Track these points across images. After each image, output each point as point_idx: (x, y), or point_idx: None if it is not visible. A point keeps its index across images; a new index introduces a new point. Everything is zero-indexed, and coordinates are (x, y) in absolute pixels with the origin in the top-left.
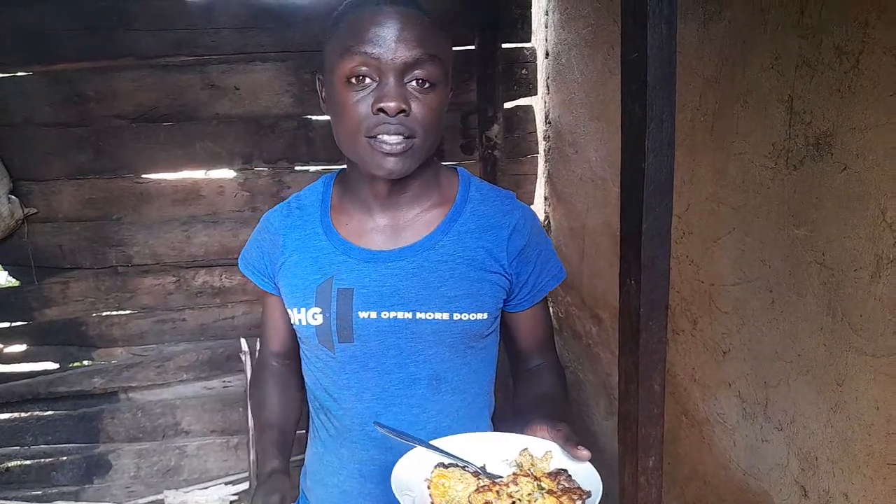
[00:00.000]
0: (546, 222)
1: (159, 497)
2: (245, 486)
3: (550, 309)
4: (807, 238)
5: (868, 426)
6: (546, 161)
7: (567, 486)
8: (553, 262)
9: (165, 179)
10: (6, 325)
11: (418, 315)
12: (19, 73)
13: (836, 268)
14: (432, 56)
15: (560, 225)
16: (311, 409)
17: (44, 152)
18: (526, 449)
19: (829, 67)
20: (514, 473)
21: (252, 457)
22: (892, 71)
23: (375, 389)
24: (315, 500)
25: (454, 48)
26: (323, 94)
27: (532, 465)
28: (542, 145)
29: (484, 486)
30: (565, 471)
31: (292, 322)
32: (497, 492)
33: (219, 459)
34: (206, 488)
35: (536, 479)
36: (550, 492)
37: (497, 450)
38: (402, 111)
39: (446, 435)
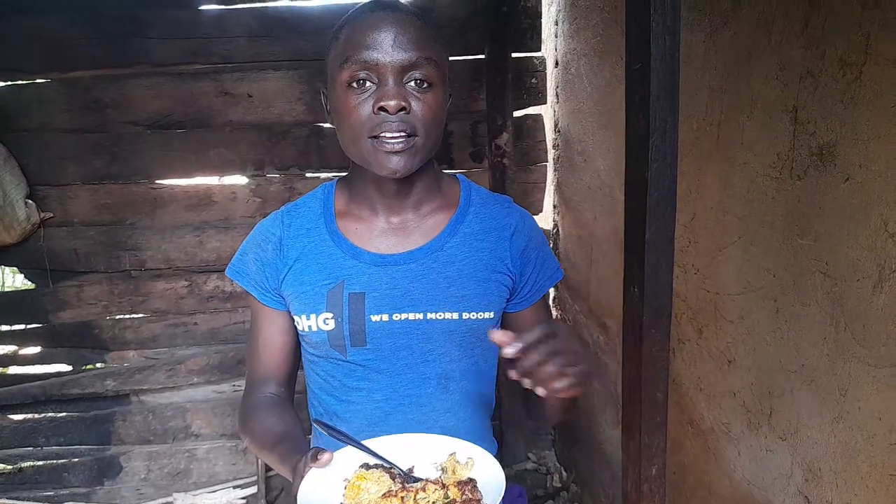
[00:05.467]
0: (554, 230)
1: (168, 500)
2: (253, 489)
3: (558, 317)
4: (810, 248)
5: (871, 437)
6: (555, 170)
7: (470, 496)
8: (551, 262)
9: (179, 185)
10: (21, 327)
11: (429, 315)
12: (37, 80)
13: (840, 278)
14: (428, 58)
15: (568, 233)
16: (312, 414)
17: (60, 157)
18: (453, 454)
19: (833, 78)
20: (426, 479)
21: (261, 462)
22: (894, 82)
23: (386, 390)
24: None
25: (464, 57)
26: (328, 106)
27: (454, 470)
28: (550, 154)
29: (391, 491)
30: (473, 480)
31: (300, 329)
32: (402, 497)
33: (227, 463)
34: (214, 491)
35: (444, 486)
36: (452, 502)
37: (428, 452)
38: (403, 108)
39: (454, 432)
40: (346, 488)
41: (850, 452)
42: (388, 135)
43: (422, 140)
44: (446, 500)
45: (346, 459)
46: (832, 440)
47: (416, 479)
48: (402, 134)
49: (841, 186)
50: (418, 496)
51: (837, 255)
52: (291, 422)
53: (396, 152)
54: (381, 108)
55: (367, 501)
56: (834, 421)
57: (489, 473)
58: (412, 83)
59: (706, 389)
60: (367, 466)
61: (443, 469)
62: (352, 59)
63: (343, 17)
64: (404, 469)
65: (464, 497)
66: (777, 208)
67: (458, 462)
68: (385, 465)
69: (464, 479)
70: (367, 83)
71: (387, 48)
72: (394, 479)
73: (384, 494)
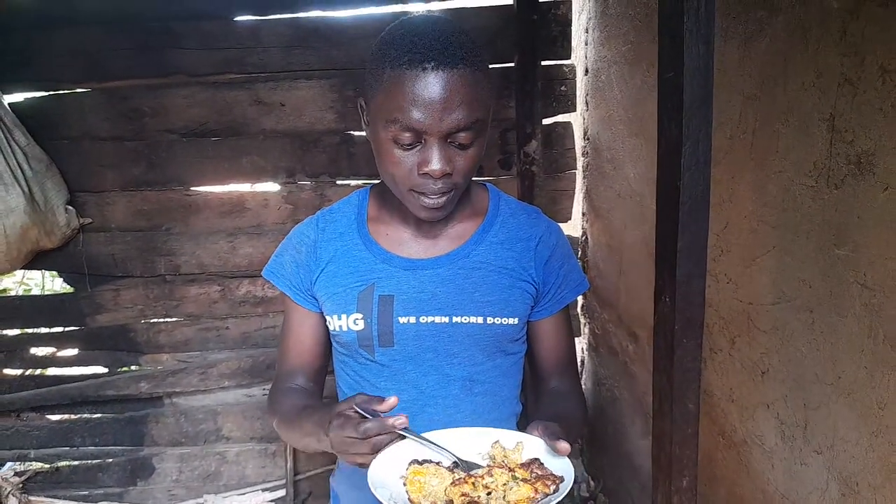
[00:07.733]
0: (583, 238)
1: (199, 501)
2: (282, 492)
3: (587, 325)
4: (848, 258)
5: None
6: (584, 177)
7: (540, 473)
8: (575, 274)
9: (213, 192)
10: (59, 329)
11: (455, 319)
12: (78, 90)
13: (878, 289)
14: (477, 120)
15: (597, 241)
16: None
17: (99, 165)
18: (497, 441)
19: (872, 86)
20: (488, 465)
21: (289, 465)
22: None
23: (412, 391)
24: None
25: (493, 65)
26: (365, 118)
27: (504, 456)
28: (580, 161)
29: (459, 478)
30: (537, 459)
31: (332, 329)
32: (473, 483)
33: (257, 466)
34: (244, 494)
35: (511, 469)
36: (525, 480)
37: (470, 443)
38: (447, 174)
39: None
40: (405, 485)
41: (890, 468)
42: (430, 196)
43: (460, 190)
44: (516, 480)
45: (395, 457)
46: (870, 455)
47: (468, 466)
48: (443, 194)
49: (880, 196)
50: (485, 481)
51: (876, 266)
52: (318, 403)
53: (435, 208)
54: (426, 174)
55: (436, 494)
56: (872, 435)
57: (548, 453)
58: (457, 143)
59: (738, 400)
60: (416, 462)
61: (491, 458)
62: (398, 120)
63: (389, 38)
64: (449, 463)
65: (533, 475)
66: (813, 217)
67: (505, 448)
68: (434, 458)
69: (524, 460)
70: (411, 142)
71: (435, 114)
72: (452, 470)
73: (453, 482)
